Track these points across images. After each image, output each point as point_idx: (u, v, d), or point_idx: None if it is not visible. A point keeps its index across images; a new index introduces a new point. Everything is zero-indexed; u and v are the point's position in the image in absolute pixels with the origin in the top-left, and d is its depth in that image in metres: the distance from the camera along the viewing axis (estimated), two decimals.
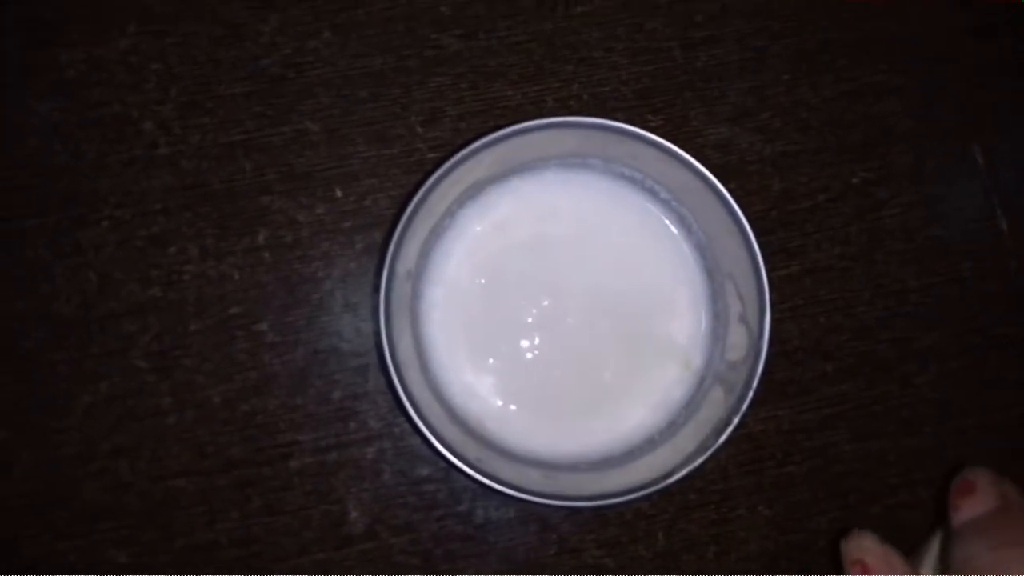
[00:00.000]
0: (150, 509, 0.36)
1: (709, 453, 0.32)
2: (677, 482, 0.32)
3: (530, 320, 0.35)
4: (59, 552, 0.36)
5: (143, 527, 0.36)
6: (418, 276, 0.35)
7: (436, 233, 0.36)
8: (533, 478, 0.34)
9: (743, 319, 0.34)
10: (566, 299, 0.35)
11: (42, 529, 0.36)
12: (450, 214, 0.36)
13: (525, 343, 0.35)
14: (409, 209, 0.32)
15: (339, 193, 0.38)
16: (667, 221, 0.36)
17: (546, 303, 0.35)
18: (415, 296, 0.35)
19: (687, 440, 0.34)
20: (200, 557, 0.36)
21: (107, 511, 0.36)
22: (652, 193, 0.36)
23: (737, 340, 0.35)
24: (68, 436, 0.36)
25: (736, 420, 0.32)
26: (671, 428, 0.35)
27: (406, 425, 0.37)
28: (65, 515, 0.36)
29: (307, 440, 0.37)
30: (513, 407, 0.35)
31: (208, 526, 0.36)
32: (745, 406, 0.32)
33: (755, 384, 0.32)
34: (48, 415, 0.36)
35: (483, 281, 0.35)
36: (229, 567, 0.36)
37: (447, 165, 0.32)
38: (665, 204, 0.36)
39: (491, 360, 0.35)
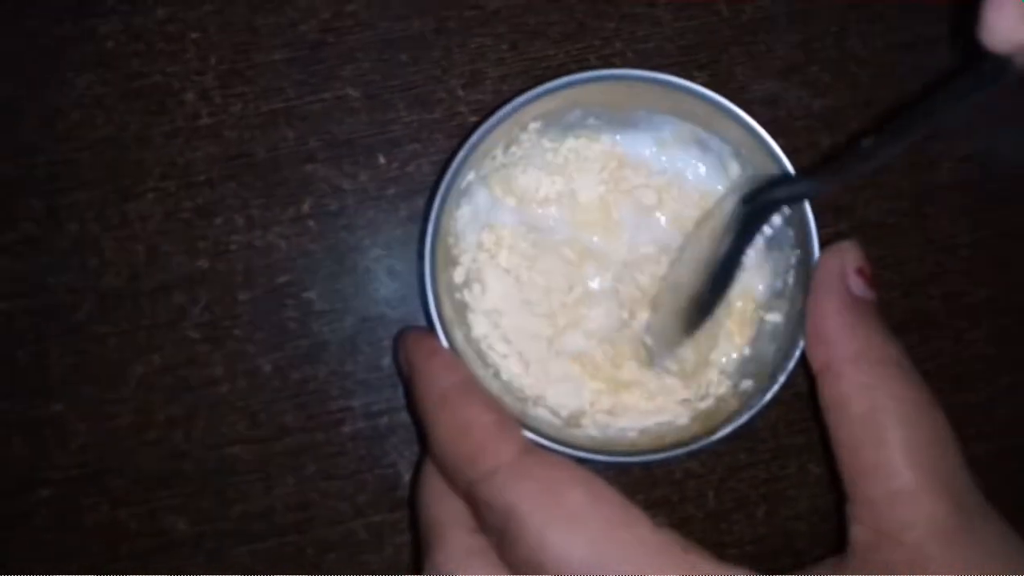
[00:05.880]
0: (206, 476, 0.37)
1: (755, 412, 0.32)
2: (723, 440, 0.31)
3: (592, 282, 0.35)
4: (119, 520, 0.37)
5: (201, 494, 0.37)
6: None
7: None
8: (579, 436, 0.34)
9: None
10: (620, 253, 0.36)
11: (101, 498, 0.37)
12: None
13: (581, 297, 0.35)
14: (449, 173, 0.32)
15: (382, 160, 0.38)
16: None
17: (599, 262, 0.35)
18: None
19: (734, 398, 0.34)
20: (258, 522, 0.37)
21: (164, 479, 0.37)
22: (704, 146, 0.35)
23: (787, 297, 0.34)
24: (123, 407, 0.37)
25: (782, 379, 0.32)
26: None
27: None
28: (123, 484, 0.37)
29: (359, 406, 0.37)
30: (566, 374, 0.35)
31: (265, 492, 0.37)
32: (792, 365, 0.32)
33: (801, 342, 0.32)
34: (102, 387, 0.37)
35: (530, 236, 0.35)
36: (286, 531, 0.37)
37: (485, 126, 0.32)
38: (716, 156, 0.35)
39: (543, 324, 0.35)
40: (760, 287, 0.35)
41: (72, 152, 0.37)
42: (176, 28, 0.38)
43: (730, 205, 0.32)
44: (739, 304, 0.36)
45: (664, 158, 0.36)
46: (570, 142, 0.36)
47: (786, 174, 0.32)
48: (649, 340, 0.34)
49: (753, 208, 0.31)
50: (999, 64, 0.24)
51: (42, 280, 0.37)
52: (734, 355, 0.36)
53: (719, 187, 0.36)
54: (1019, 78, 0.24)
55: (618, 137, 0.36)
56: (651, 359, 0.34)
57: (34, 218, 0.37)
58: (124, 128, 0.37)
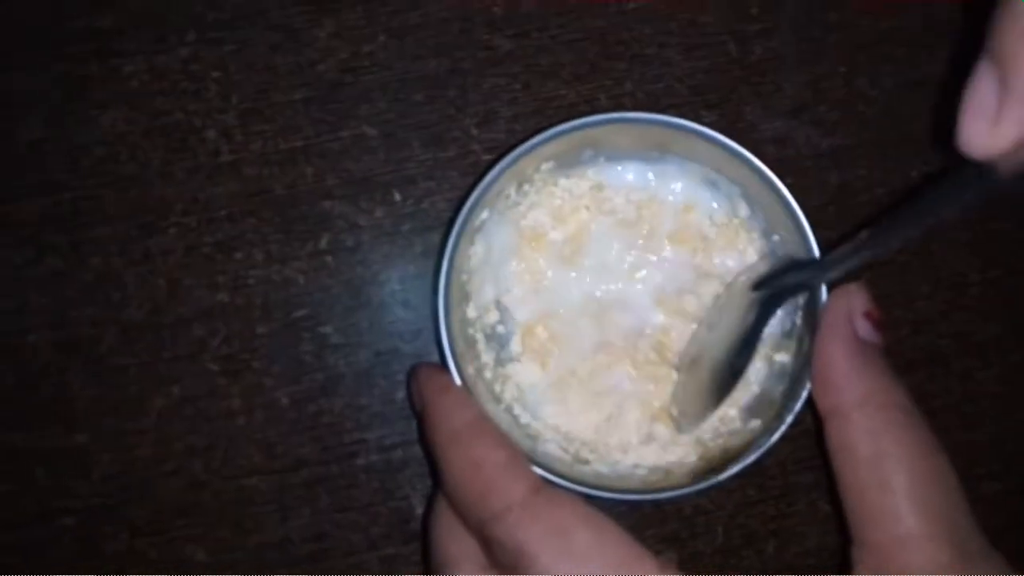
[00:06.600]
0: (224, 507, 0.37)
1: (763, 451, 0.32)
2: (732, 478, 0.32)
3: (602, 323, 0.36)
4: (138, 550, 0.37)
5: (218, 525, 0.37)
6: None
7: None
8: (588, 473, 0.34)
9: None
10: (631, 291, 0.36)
11: (121, 527, 0.37)
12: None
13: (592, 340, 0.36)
14: (464, 211, 0.32)
15: (397, 197, 0.39)
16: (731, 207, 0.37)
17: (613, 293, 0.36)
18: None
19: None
20: (274, 553, 0.37)
21: (183, 509, 0.37)
22: (714, 186, 0.36)
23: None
24: (144, 438, 0.38)
25: (789, 419, 0.32)
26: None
27: None
28: (142, 513, 0.37)
29: (373, 439, 0.38)
30: (580, 415, 0.35)
31: (281, 523, 0.37)
32: (799, 405, 0.32)
33: (808, 383, 0.32)
34: (124, 418, 0.38)
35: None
36: (300, 562, 0.37)
37: (500, 166, 0.32)
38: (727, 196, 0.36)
39: (555, 361, 0.35)
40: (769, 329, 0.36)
41: (96, 188, 0.38)
42: (198, 68, 0.39)
43: (742, 286, 0.34)
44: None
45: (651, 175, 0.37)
46: (563, 182, 0.36)
47: (794, 261, 0.34)
48: (675, 411, 0.35)
49: (766, 296, 0.33)
50: (983, 169, 0.25)
51: (66, 313, 0.38)
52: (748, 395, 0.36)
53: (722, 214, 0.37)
54: (1007, 184, 0.24)
55: (606, 173, 0.37)
56: (680, 428, 0.35)
57: (59, 252, 0.38)
58: (147, 165, 0.38)
